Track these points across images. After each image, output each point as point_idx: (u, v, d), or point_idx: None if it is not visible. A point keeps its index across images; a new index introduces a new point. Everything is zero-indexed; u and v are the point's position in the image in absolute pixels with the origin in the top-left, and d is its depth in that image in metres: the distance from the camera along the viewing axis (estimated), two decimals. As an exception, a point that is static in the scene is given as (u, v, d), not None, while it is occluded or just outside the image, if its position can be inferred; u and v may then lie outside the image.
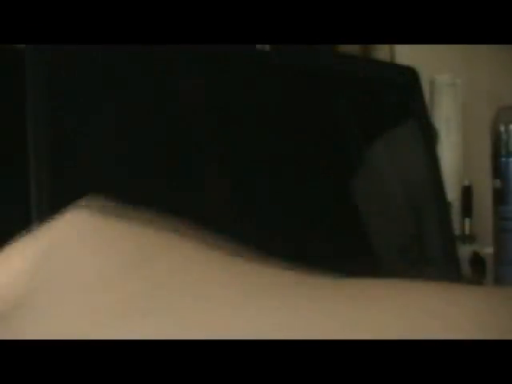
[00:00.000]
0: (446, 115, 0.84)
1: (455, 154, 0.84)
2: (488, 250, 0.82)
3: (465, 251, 0.78)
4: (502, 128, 0.82)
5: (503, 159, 0.83)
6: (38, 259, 0.21)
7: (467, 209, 0.85)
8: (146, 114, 0.49)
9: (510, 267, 0.84)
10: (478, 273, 0.78)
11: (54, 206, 0.41)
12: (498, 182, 0.85)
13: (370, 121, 0.63)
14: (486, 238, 0.86)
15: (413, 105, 0.67)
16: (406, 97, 0.67)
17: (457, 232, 0.80)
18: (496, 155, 0.84)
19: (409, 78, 0.68)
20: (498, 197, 0.85)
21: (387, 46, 0.88)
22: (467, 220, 0.85)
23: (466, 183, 0.85)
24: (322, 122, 0.60)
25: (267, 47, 0.56)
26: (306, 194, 0.56)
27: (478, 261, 0.79)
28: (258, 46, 0.55)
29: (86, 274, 0.20)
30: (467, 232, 0.85)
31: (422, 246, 0.63)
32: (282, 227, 0.53)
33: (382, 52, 0.88)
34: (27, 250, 0.22)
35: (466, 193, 0.85)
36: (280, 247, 0.52)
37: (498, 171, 0.85)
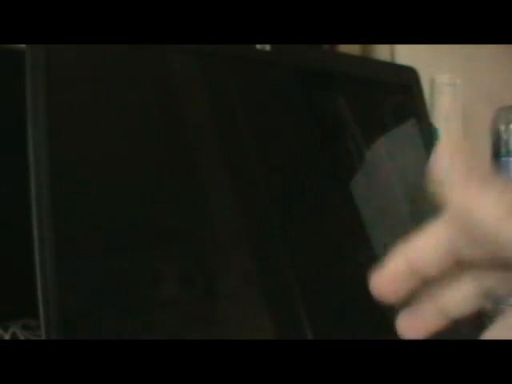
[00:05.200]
0: (445, 115, 0.84)
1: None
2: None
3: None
4: (502, 128, 0.82)
5: (503, 159, 0.83)
6: None
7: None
8: (145, 113, 0.49)
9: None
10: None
11: (54, 205, 0.41)
12: (498, 182, 0.85)
13: (370, 121, 0.63)
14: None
15: (413, 105, 0.67)
16: (406, 97, 0.67)
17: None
18: (496, 155, 0.84)
19: (409, 78, 0.68)
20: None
21: (387, 45, 0.88)
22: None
23: (466, 183, 0.85)
24: (321, 122, 0.60)
25: (267, 47, 0.56)
26: (305, 193, 0.56)
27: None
28: (258, 46, 0.55)
29: None
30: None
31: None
32: (280, 228, 0.52)
33: (382, 52, 0.88)
34: None
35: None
36: (279, 248, 0.52)
37: (497, 171, 0.85)
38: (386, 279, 0.29)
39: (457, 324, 0.30)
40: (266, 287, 0.51)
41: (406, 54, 0.87)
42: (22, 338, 0.52)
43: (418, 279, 0.28)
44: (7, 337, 0.52)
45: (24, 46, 0.43)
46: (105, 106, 0.47)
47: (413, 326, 0.30)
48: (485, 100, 0.93)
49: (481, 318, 0.60)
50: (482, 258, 0.27)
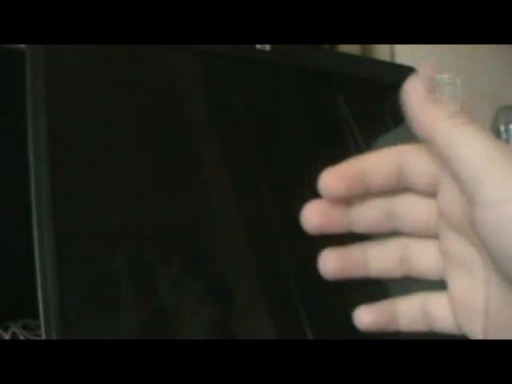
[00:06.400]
0: (446, 115, 0.83)
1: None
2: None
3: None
4: (502, 128, 0.82)
5: (503, 159, 0.83)
6: None
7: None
8: (145, 113, 0.49)
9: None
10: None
11: (54, 205, 0.41)
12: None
13: (370, 121, 0.63)
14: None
15: (413, 105, 0.67)
16: (406, 97, 0.67)
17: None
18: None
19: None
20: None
21: (387, 45, 0.88)
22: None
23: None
24: (321, 122, 0.60)
25: (267, 47, 0.56)
26: (305, 193, 0.56)
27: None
28: (258, 46, 0.55)
29: None
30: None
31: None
32: (280, 228, 0.53)
33: (381, 52, 0.88)
34: None
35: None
36: (279, 248, 0.52)
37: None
38: (336, 174, 0.31)
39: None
40: (266, 287, 0.51)
41: (406, 54, 0.87)
42: (21, 338, 0.52)
43: (362, 185, 0.31)
44: (7, 337, 0.52)
45: (24, 45, 0.43)
46: (105, 106, 0.47)
47: (335, 262, 0.33)
48: (485, 100, 0.93)
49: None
50: (427, 182, 0.30)
